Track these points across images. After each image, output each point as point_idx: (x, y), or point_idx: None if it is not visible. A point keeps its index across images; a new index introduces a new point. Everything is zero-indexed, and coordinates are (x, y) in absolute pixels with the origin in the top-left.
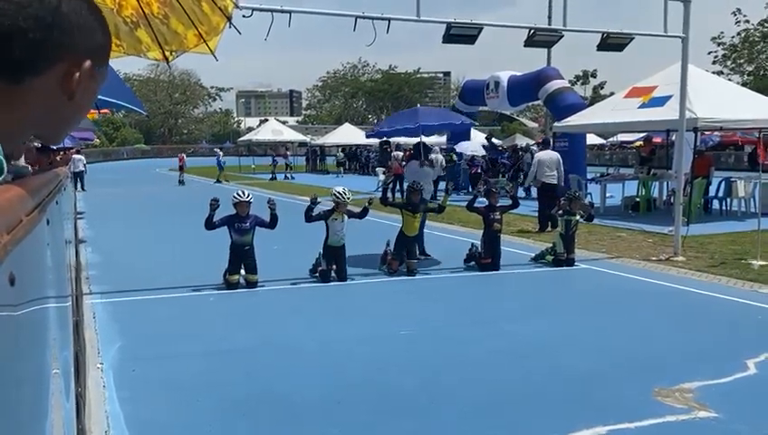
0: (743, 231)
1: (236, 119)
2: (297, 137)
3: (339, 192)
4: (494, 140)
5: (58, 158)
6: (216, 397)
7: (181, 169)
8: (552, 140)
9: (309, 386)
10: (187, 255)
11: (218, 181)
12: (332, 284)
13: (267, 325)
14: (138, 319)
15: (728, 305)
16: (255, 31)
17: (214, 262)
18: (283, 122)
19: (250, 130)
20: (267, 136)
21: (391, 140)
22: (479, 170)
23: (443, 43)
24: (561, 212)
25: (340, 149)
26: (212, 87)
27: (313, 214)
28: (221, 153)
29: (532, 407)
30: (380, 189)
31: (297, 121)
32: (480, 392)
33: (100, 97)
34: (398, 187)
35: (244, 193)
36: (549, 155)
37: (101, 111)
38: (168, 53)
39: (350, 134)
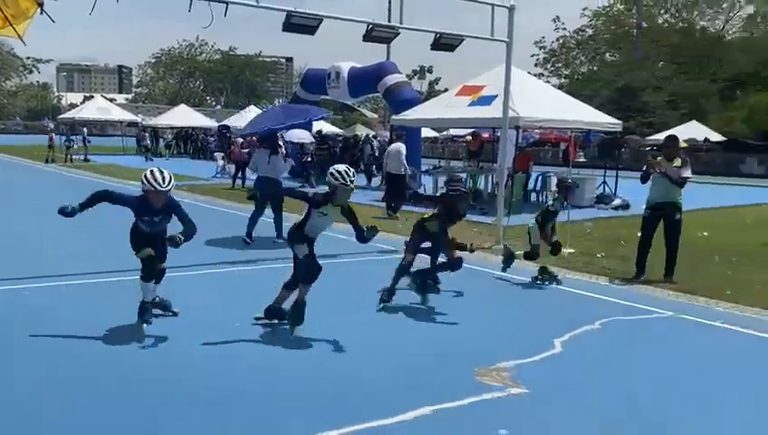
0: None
1: (57, 94)
2: (126, 116)
3: (339, 171)
4: (331, 129)
5: None
6: (69, 396)
7: (50, 147)
8: (391, 133)
9: (137, 382)
10: (38, 242)
11: (86, 160)
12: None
13: (116, 321)
14: None
15: (541, 290)
16: (80, 1)
17: (56, 250)
18: (111, 100)
19: (73, 106)
20: (92, 114)
21: (231, 124)
22: (309, 159)
23: (283, 31)
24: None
25: (169, 131)
26: (28, 58)
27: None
28: (85, 130)
29: (362, 393)
30: (218, 175)
31: (127, 100)
32: (314, 381)
33: None
34: (239, 174)
35: (163, 178)
36: (393, 147)
37: None
38: None
39: (185, 115)
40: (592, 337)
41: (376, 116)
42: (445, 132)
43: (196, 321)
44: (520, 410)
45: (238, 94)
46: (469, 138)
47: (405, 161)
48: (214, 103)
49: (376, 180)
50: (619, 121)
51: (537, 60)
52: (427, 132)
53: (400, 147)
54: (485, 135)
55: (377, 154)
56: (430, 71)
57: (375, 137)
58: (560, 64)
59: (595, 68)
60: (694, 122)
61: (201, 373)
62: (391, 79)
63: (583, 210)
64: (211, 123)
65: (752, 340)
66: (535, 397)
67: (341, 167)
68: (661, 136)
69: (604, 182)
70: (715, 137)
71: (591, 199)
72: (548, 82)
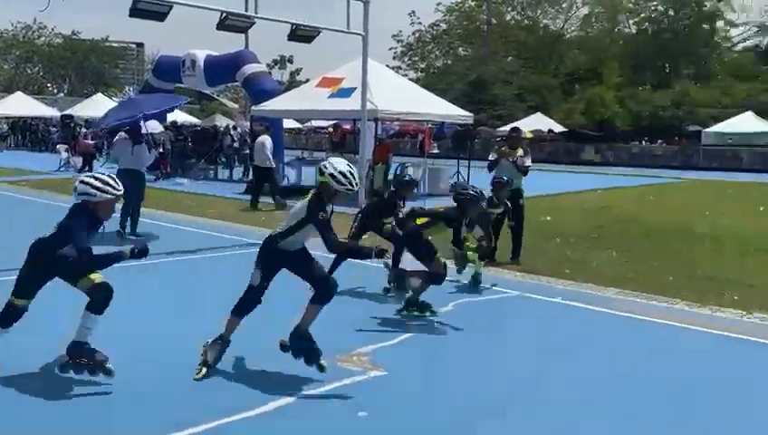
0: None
1: None
2: None
3: (344, 173)
4: (187, 118)
5: None
6: None
7: None
8: (251, 123)
9: None
10: None
11: None
12: None
13: None
14: None
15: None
16: None
17: None
18: None
19: None
20: None
21: (75, 114)
22: (162, 150)
23: (130, 16)
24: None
25: (4, 121)
26: None
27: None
28: None
29: (223, 390)
30: (63, 169)
31: None
32: (171, 381)
33: None
34: (87, 168)
35: (114, 179)
36: (258, 140)
37: None
38: None
39: (23, 104)
40: (446, 319)
41: (236, 106)
42: (307, 123)
43: (48, 324)
44: (379, 392)
45: (84, 81)
46: (331, 129)
47: (270, 154)
48: (56, 91)
49: (237, 172)
50: (471, 114)
51: (395, 53)
52: (290, 123)
53: (265, 139)
54: (347, 126)
55: (237, 145)
56: (291, 61)
57: (235, 127)
58: (416, 58)
59: (449, 62)
60: (539, 114)
61: (50, 378)
62: (250, 68)
63: (438, 199)
64: (53, 112)
65: (586, 314)
66: (393, 378)
67: (343, 167)
68: (509, 127)
69: (458, 172)
70: (558, 128)
71: (446, 188)
72: (405, 75)
